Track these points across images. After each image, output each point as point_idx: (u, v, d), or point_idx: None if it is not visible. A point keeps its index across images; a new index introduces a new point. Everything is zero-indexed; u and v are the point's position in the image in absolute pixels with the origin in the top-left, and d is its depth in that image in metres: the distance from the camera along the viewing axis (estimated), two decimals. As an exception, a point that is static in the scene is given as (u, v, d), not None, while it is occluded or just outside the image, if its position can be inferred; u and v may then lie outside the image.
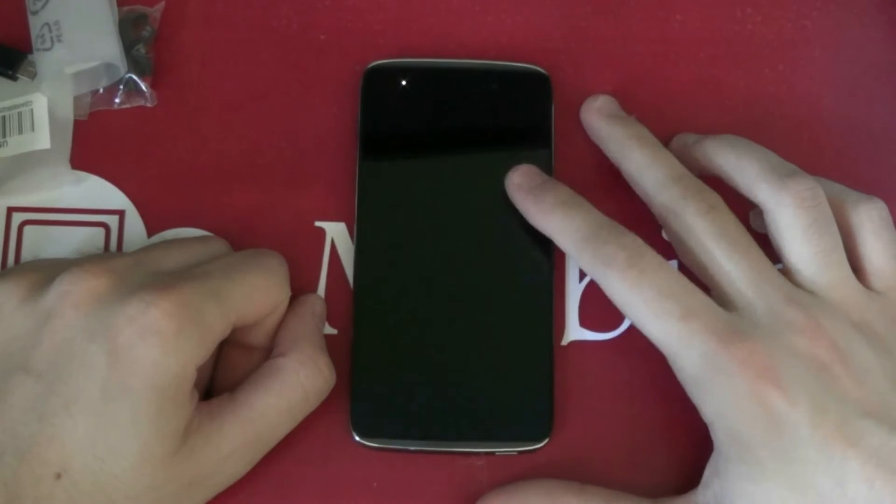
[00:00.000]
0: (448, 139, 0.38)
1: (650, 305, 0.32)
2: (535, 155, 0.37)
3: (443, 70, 0.38)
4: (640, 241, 0.33)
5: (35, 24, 0.38)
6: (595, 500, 0.34)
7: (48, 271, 0.32)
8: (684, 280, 0.32)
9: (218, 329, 0.32)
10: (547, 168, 0.37)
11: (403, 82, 0.38)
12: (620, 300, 0.32)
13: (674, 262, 0.37)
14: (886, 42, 0.40)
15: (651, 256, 0.32)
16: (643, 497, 0.34)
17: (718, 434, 0.31)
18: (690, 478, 0.34)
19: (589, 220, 0.34)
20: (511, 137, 0.38)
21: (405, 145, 0.38)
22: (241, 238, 0.37)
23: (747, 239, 0.33)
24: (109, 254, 0.37)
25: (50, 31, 0.37)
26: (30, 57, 0.38)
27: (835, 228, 0.33)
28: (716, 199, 0.33)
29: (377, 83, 0.38)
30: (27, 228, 0.37)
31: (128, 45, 0.38)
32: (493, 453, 0.35)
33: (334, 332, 0.37)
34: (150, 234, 0.37)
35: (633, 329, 0.37)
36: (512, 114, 0.38)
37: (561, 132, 0.38)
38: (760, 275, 0.32)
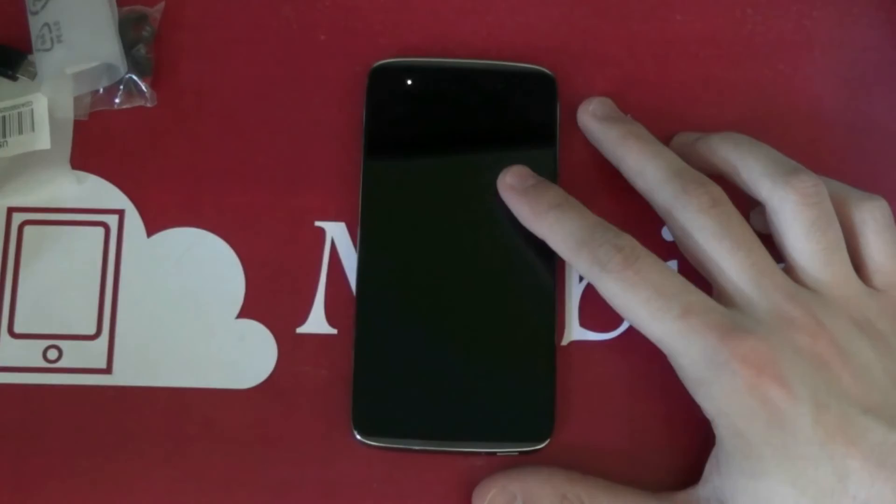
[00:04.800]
0: (453, 139, 0.38)
1: (648, 305, 0.31)
2: (540, 155, 0.37)
3: (449, 70, 0.38)
4: (634, 241, 0.33)
5: (35, 24, 0.37)
6: (595, 489, 0.34)
7: None
8: (681, 278, 0.32)
9: None
10: (552, 168, 0.37)
11: (409, 82, 0.38)
12: (618, 302, 0.32)
13: (673, 263, 0.37)
14: (886, 42, 0.40)
15: (646, 257, 0.32)
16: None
17: (721, 430, 0.31)
18: (691, 477, 0.34)
19: (583, 223, 0.34)
20: (516, 138, 0.38)
21: (410, 145, 0.38)
22: (242, 238, 0.37)
23: (750, 235, 0.33)
24: None
25: (50, 31, 0.37)
26: (30, 57, 0.38)
27: (837, 226, 0.33)
28: (718, 192, 0.33)
29: (382, 82, 0.38)
30: (27, 228, 0.37)
31: (128, 45, 0.38)
32: (494, 453, 0.35)
33: (334, 332, 0.36)
34: (149, 234, 0.37)
35: (633, 329, 0.37)
36: (517, 114, 0.38)
37: (566, 132, 0.38)
38: (762, 271, 0.32)
